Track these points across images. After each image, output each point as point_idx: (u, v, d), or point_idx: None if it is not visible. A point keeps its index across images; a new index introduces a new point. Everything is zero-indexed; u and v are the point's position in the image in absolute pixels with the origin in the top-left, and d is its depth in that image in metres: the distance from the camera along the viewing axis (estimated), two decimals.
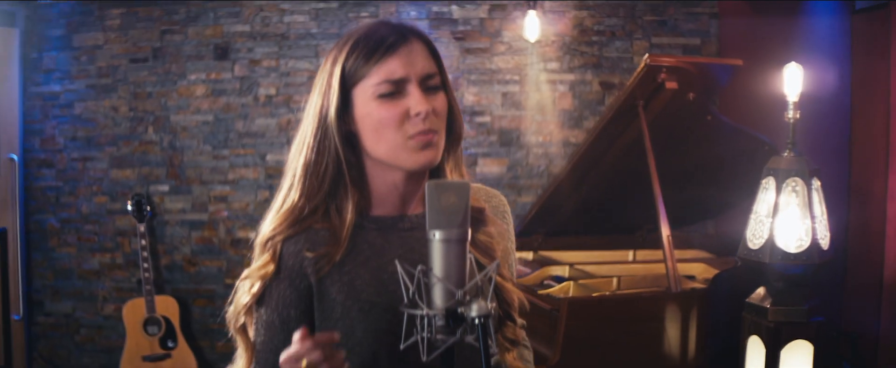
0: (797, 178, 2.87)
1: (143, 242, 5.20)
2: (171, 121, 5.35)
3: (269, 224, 1.59)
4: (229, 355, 1.68)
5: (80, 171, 5.44)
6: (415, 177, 1.59)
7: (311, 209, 1.56)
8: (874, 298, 4.23)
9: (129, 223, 5.36)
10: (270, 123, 5.30)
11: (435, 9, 5.19)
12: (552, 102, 5.22)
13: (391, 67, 1.50)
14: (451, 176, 1.64)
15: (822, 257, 2.88)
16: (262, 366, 1.59)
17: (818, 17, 4.88)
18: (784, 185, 2.88)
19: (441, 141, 1.55)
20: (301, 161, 1.57)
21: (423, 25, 5.16)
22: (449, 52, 5.18)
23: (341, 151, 1.54)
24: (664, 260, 3.38)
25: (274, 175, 5.31)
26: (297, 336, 1.37)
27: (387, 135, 1.51)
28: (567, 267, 4.07)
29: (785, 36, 4.84)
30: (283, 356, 1.38)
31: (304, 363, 1.36)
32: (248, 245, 5.27)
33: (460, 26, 5.18)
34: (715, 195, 4.26)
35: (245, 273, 1.60)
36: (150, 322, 5.18)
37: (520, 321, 1.72)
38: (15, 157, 5.31)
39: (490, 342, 1.22)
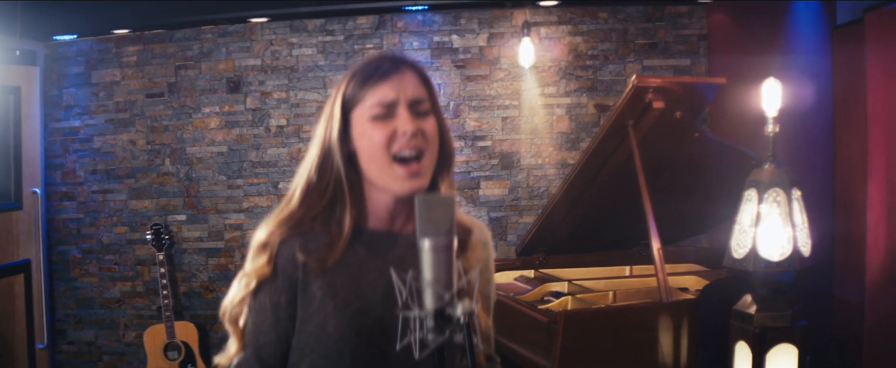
0: (778, 189, 2.97)
1: (162, 270, 5.44)
2: (187, 152, 5.63)
3: (267, 227, 1.75)
4: None
5: (101, 203, 5.72)
6: (402, 200, 1.74)
7: (311, 217, 1.73)
8: (859, 304, 4.35)
9: (148, 252, 5.62)
10: (282, 152, 5.57)
11: (436, 39, 5.46)
12: (550, 125, 5.48)
13: (383, 92, 1.68)
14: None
15: (804, 264, 2.99)
16: (251, 345, 1.75)
17: (801, 32, 5.04)
18: (765, 196, 2.99)
19: (427, 168, 1.72)
20: (304, 177, 1.76)
21: (425, 55, 5.44)
22: (450, 79, 5.46)
23: (343, 170, 1.72)
24: (656, 273, 3.54)
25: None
26: None
27: (376, 155, 1.68)
28: (566, 283, 4.22)
29: (770, 53, 4.97)
30: None
31: None
32: None
33: (461, 55, 5.46)
34: (706, 209, 4.38)
35: (243, 271, 1.75)
36: (170, 347, 5.41)
37: (484, 346, 1.89)
38: (38, 191, 5.57)
39: (474, 338, 1.36)
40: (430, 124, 1.71)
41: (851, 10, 4.82)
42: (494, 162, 5.51)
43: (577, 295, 3.94)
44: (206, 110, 5.59)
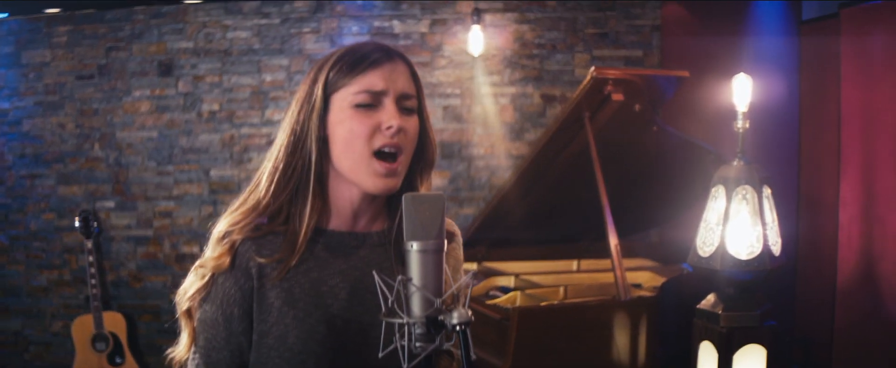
0: (747, 186, 2.95)
1: (91, 258, 5.29)
2: (117, 137, 5.46)
3: (229, 218, 1.64)
4: None
5: (29, 188, 5.55)
6: (370, 198, 1.65)
7: (274, 210, 1.62)
8: (828, 304, 4.31)
9: (76, 239, 5.46)
10: (214, 139, 5.40)
11: (376, 24, 5.29)
12: (494, 115, 5.31)
13: (372, 79, 1.57)
14: None
15: (774, 263, 2.96)
16: (205, 361, 1.64)
17: (765, 27, 4.95)
18: (734, 194, 2.95)
19: (403, 168, 1.62)
20: (271, 162, 1.63)
21: (363, 40, 5.26)
22: None
23: (314, 155, 1.60)
24: (613, 269, 3.44)
25: (217, 190, 5.41)
26: None
27: (354, 146, 1.57)
28: (512, 278, 4.13)
29: (730, 46, 4.90)
30: None
31: None
32: (192, 260, 5.36)
33: (401, 41, 5.29)
34: (660, 204, 4.33)
35: (199, 261, 1.64)
36: (98, 338, 5.26)
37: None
38: None
39: (470, 348, 1.27)
40: (412, 124, 1.62)
41: (820, 7, 4.73)
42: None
43: (526, 291, 3.85)
44: (137, 94, 5.42)
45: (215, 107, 5.39)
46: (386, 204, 1.71)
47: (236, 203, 1.66)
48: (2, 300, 5.65)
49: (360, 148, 1.57)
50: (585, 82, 3.55)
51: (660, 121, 3.93)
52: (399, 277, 1.31)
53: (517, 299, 3.79)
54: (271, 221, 1.62)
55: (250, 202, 1.63)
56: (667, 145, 3.98)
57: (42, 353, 5.63)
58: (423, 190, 1.68)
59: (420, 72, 4.93)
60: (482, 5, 5.22)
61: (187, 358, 1.68)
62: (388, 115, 1.56)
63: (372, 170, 1.57)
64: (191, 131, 5.40)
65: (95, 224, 5.37)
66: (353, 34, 5.28)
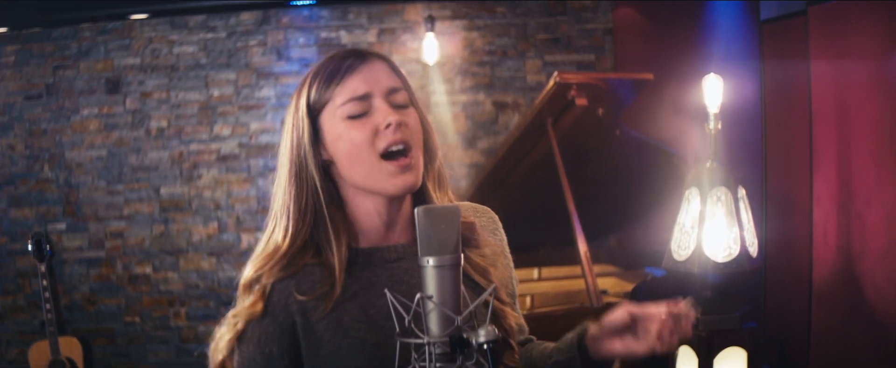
0: (722, 188, 2.92)
1: (45, 282, 5.21)
2: (66, 157, 5.42)
3: (253, 265, 1.56)
4: None
5: None
6: (396, 202, 1.58)
7: (299, 247, 1.55)
8: (803, 303, 4.25)
9: (29, 263, 5.39)
10: (163, 156, 5.35)
11: (324, 35, 5.27)
12: (447, 124, 5.26)
13: (354, 85, 1.51)
14: (435, 195, 1.63)
15: (752, 264, 2.94)
16: None
17: (721, 28, 4.92)
18: (708, 195, 2.93)
19: (419, 162, 1.54)
20: (281, 200, 1.56)
21: (311, 52, 5.25)
22: None
23: (319, 182, 1.54)
24: (583, 276, 3.41)
25: (168, 208, 5.36)
26: None
27: (361, 156, 1.51)
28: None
29: (686, 48, 4.88)
30: None
31: None
32: (145, 281, 5.30)
33: None
34: (621, 208, 4.29)
35: (232, 312, 1.56)
36: (55, 364, 5.18)
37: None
38: None
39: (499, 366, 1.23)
40: (411, 116, 1.54)
41: (779, 6, 4.70)
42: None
43: None
44: (85, 112, 5.39)
45: (163, 123, 5.35)
46: (414, 208, 1.58)
47: (259, 247, 1.58)
48: None
49: (366, 155, 1.50)
50: (548, 88, 3.54)
51: (622, 125, 3.93)
52: (417, 295, 1.26)
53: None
54: (302, 255, 1.55)
55: (271, 246, 1.56)
56: (628, 149, 3.97)
57: None
58: (432, 183, 1.61)
59: None
60: (430, 13, 5.18)
61: None
62: (383, 114, 1.50)
63: (386, 173, 1.50)
64: (140, 149, 5.36)
65: (48, 247, 5.31)
66: (300, 45, 5.24)
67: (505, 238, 1.80)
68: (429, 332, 1.25)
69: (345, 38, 5.24)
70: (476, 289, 1.56)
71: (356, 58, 1.54)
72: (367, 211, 1.58)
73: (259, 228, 5.04)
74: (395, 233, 1.60)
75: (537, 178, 3.84)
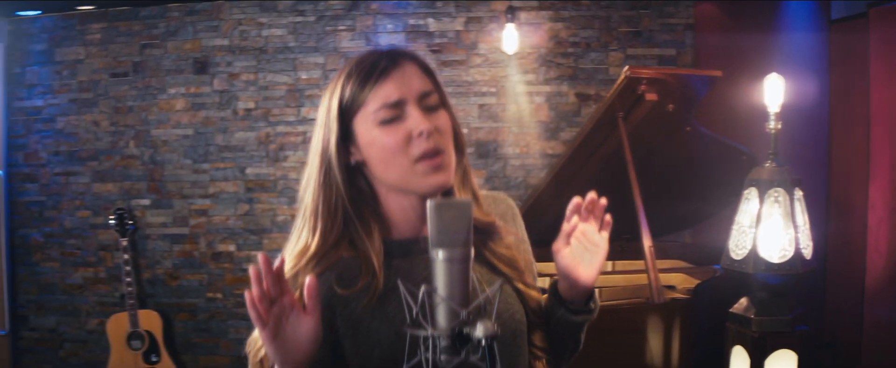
0: (779, 189, 2.93)
1: (126, 256, 5.35)
2: (152, 135, 5.51)
3: (289, 262, 1.58)
4: None
5: (64, 186, 5.61)
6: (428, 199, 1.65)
7: (331, 245, 1.59)
8: (856, 307, 4.30)
9: (111, 237, 5.52)
10: (249, 137, 5.45)
11: (411, 21, 5.33)
12: (529, 114, 5.35)
13: (387, 91, 1.53)
14: (460, 190, 1.67)
15: (805, 266, 2.94)
16: None
17: (795, 27, 4.96)
18: (766, 196, 2.93)
19: (451, 161, 1.58)
20: (310, 199, 1.60)
21: (399, 38, 5.32)
22: None
23: (346, 182, 1.58)
24: (646, 271, 3.43)
25: (254, 188, 5.46)
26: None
27: (394, 161, 1.54)
28: (547, 279, 4.12)
29: (762, 46, 4.91)
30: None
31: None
32: (228, 258, 5.41)
33: (436, 39, 5.33)
34: (692, 205, 4.33)
35: None
36: (133, 336, 5.32)
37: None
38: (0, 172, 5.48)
39: (497, 362, 1.23)
40: (443, 120, 1.58)
41: (848, 6, 4.74)
42: (470, 150, 5.37)
43: None
44: (172, 91, 5.47)
45: (251, 104, 5.43)
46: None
47: (290, 243, 1.63)
48: (37, 297, 5.72)
49: (400, 160, 1.54)
50: (619, 81, 3.55)
51: (693, 121, 3.94)
52: (423, 287, 1.29)
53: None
54: (336, 250, 1.60)
55: (301, 243, 1.60)
56: (700, 145, 3.99)
57: (77, 350, 5.70)
58: (458, 179, 1.66)
59: (455, 70, 5.00)
60: (517, 3, 5.25)
61: None
62: (416, 122, 1.53)
63: (419, 174, 1.54)
64: (226, 129, 5.45)
65: (130, 222, 5.42)
66: (388, 32, 5.32)
67: (522, 223, 1.86)
68: (436, 325, 1.25)
69: (432, 25, 5.31)
70: (504, 279, 1.66)
71: (388, 60, 1.56)
72: (401, 207, 1.63)
73: None
74: (426, 228, 1.65)
75: (611, 171, 3.85)
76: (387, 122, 1.53)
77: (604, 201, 1.67)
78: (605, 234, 1.70)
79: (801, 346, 2.98)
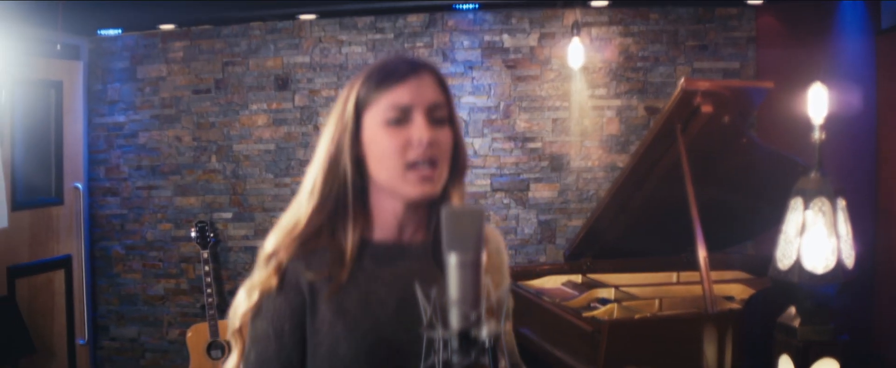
0: (823, 198, 2.90)
1: (207, 268, 5.53)
2: (234, 149, 5.71)
3: (273, 239, 1.70)
4: None
5: (145, 199, 5.81)
6: (412, 207, 1.70)
7: (316, 228, 1.68)
8: None
9: (193, 249, 5.71)
10: None
11: (487, 38, 5.53)
12: (600, 127, 5.56)
13: (399, 95, 1.61)
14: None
15: (847, 276, 2.94)
16: None
17: (845, 37, 5.11)
18: (811, 205, 2.92)
19: (441, 175, 1.65)
20: (311, 181, 1.69)
21: (475, 54, 5.52)
22: (501, 79, 5.55)
23: (350, 173, 1.66)
24: (701, 281, 3.53)
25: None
26: None
27: (388, 162, 1.62)
28: (613, 290, 4.22)
29: (816, 56, 5.03)
30: None
31: None
32: None
33: (511, 54, 5.53)
34: (753, 216, 4.41)
35: (249, 282, 1.70)
36: (213, 346, 5.51)
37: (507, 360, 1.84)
38: (80, 186, 5.68)
39: (502, 363, 1.33)
40: (445, 135, 1.66)
41: (895, 15, 4.87)
42: (544, 163, 5.58)
43: (624, 303, 3.96)
44: (254, 107, 5.66)
45: None
46: (428, 215, 1.75)
47: (282, 222, 1.72)
48: (118, 308, 5.91)
49: (394, 162, 1.62)
50: (676, 94, 3.64)
51: (749, 132, 4.02)
52: (435, 290, 1.34)
53: (614, 311, 3.87)
54: (317, 237, 1.68)
55: (291, 221, 1.70)
56: (756, 157, 4.06)
57: (158, 360, 5.90)
58: (456, 197, 1.72)
59: (529, 85, 5.21)
60: (587, 18, 5.46)
61: None
62: (418, 129, 1.61)
63: (407, 181, 1.62)
64: (307, 144, 5.65)
65: (212, 234, 5.61)
66: (465, 48, 5.52)
67: (507, 260, 1.89)
68: (447, 327, 1.29)
69: (507, 41, 5.52)
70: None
71: (408, 67, 1.65)
72: (385, 209, 1.71)
73: None
74: (406, 234, 1.73)
75: (672, 183, 3.92)
76: (392, 123, 1.62)
77: None
78: None
79: (843, 355, 2.98)
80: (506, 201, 5.62)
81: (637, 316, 3.69)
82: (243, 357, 1.71)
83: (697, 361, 3.39)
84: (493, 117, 5.58)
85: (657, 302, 3.89)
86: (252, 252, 5.75)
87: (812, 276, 2.93)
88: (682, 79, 3.61)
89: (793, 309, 3.16)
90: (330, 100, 5.61)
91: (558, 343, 3.67)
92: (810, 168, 3.67)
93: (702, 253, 3.55)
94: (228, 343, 5.03)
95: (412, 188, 1.63)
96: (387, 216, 1.71)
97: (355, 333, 1.63)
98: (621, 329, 3.39)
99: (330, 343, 1.65)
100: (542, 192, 5.62)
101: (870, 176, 4.89)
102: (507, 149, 5.59)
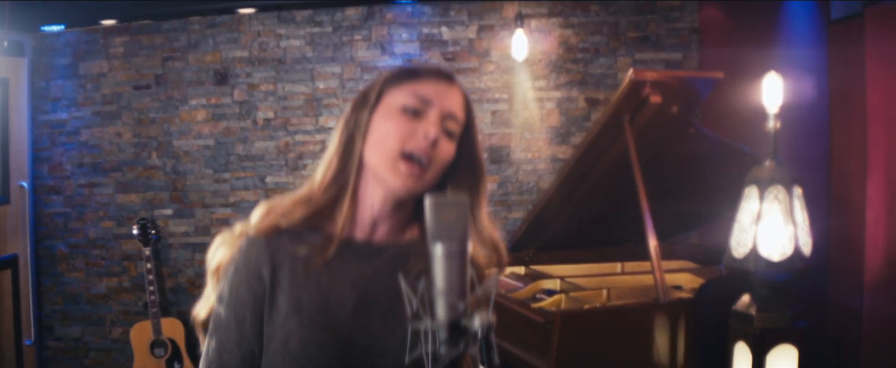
0: (779, 186, 2.97)
1: (149, 265, 5.54)
2: (174, 145, 5.73)
3: (281, 200, 1.73)
4: None
5: (87, 197, 5.82)
6: (390, 203, 1.69)
7: (323, 205, 1.69)
8: (856, 303, 4.36)
9: (134, 247, 5.72)
10: (269, 146, 5.65)
11: (425, 31, 5.55)
12: (540, 119, 5.54)
13: (424, 88, 1.65)
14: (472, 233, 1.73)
15: (805, 264, 2.99)
16: (217, 363, 1.69)
17: (795, 28, 5.09)
18: (766, 194, 2.99)
19: (428, 179, 1.65)
20: (325, 160, 1.71)
21: (414, 47, 5.53)
22: None
23: (360, 158, 1.67)
24: (652, 271, 3.53)
25: (273, 196, 5.61)
26: None
27: (386, 144, 1.63)
28: (558, 281, 4.20)
29: (764, 48, 5.04)
30: None
31: None
32: None
33: (450, 47, 5.54)
34: (698, 206, 4.43)
35: (242, 224, 1.73)
36: (156, 344, 5.50)
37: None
38: (25, 184, 5.70)
39: (494, 352, 1.29)
40: (448, 148, 1.67)
41: (846, 6, 4.85)
42: (484, 156, 5.52)
43: (571, 294, 3.93)
44: (193, 102, 5.69)
45: (270, 114, 5.63)
46: (413, 217, 1.76)
47: (295, 194, 1.74)
48: (62, 307, 5.93)
49: (392, 146, 1.62)
50: (624, 85, 3.64)
51: (696, 123, 4.03)
52: (422, 280, 1.34)
53: (562, 302, 3.86)
54: (319, 216, 1.70)
55: (304, 195, 1.72)
56: (703, 147, 4.07)
57: (101, 359, 5.90)
58: (482, 213, 1.74)
59: (468, 78, 5.18)
60: (527, 10, 5.46)
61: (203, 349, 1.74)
62: (428, 125, 1.63)
63: (397, 169, 1.62)
64: (246, 139, 5.66)
65: (153, 231, 5.60)
66: (403, 41, 5.53)
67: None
68: (434, 318, 1.28)
69: (446, 33, 5.53)
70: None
71: (443, 78, 1.70)
72: (364, 202, 1.71)
73: None
74: (378, 233, 1.73)
75: (618, 174, 3.93)
76: (408, 111, 1.64)
77: None
78: None
79: (802, 341, 3.04)
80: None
81: (586, 307, 3.68)
82: (205, 341, 1.72)
83: (650, 350, 3.38)
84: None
85: (605, 292, 3.88)
86: (192, 248, 5.76)
87: (769, 264, 2.98)
88: (631, 70, 3.61)
89: (747, 297, 3.16)
90: (269, 95, 5.63)
91: (507, 336, 3.65)
92: (758, 157, 3.64)
93: (652, 243, 3.55)
94: (171, 341, 5.04)
95: (399, 179, 1.63)
96: (364, 211, 1.71)
97: (308, 329, 1.63)
98: (573, 319, 3.37)
99: (282, 336, 1.64)
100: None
101: (822, 164, 4.87)
102: None
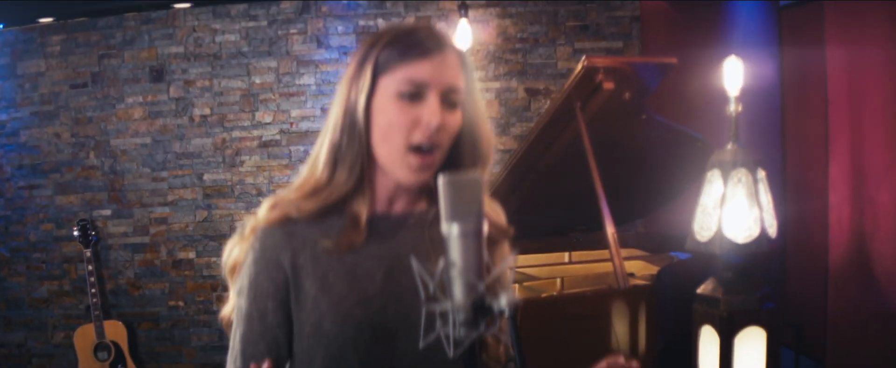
0: (743, 169, 2.99)
1: (90, 268, 5.50)
2: (111, 144, 5.71)
3: (287, 194, 1.68)
4: None
5: (27, 199, 5.80)
6: (404, 186, 1.67)
7: (332, 188, 1.64)
8: (820, 286, 4.38)
9: (75, 249, 5.68)
10: (206, 143, 5.62)
11: (361, 23, 5.52)
12: None
13: (419, 70, 1.56)
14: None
15: (771, 245, 3.01)
16: (242, 355, 1.66)
17: (743, 15, 5.07)
18: (730, 177, 3.00)
19: (437, 163, 1.62)
20: (327, 143, 1.65)
21: (350, 40, 5.50)
22: None
23: (365, 135, 1.62)
24: (611, 258, 3.50)
25: (212, 194, 5.61)
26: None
27: (392, 138, 1.59)
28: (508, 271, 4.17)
29: (708, 36, 5.04)
30: None
31: None
32: (189, 266, 5.50)
33: None
34: (648, 193, 4.42)
35: (253, 220, 1.69)
36: (99, 347, 5.46)
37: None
38: None
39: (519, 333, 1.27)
40: (454, 119, 1.60)
41: None
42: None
43: (524, 283, 3.93)
44: (130, 100, 5.67)
45: (206, 111, 5.61)
46: (420, 188, 1.71)
47: (297, 183, 1.69)
48: (4, 312, 5.90)
49: (398, 140, 1.58)
50: (577, 72, 3.61)
51: (648, 109, 4.02)
52: (440, 262, 1.27)
53: (516, 292, 3.85)
54: (335, 203, 1.65)
55: (310, 183, 1.66)
56: (654, 134, 4.05)
57: (45, 365, 5.87)
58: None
59: None
60: (466, 0, 5.40)
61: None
62: (430, 112, 1.56)
63: (406, 164, 1.59)
64: (183, 136, 5.62)
65: (93, 233, 5.57)
66: (339, 34, 5.51)
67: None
68: (452, 299, 1.26)
69: (382, 26, 5.47)
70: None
71: (435, 43, 1.60)
72: (378, 181, 1.68)
73: None
74: (397, 205, 1.71)
75: (567, 162, 3.92)
76: (404, 97, 1.58)
77: (636, 364, 1.67)
78: None
79: (770, 323, 3.05)
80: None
81: (544, 295, 3.68)
82: (231, 334, 1.70)
83: (611, 337, 3.38)
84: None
85: (558, 281, 3.86)
86: (132, 249, 5.72)
87: (734, 246, 2.98)
88: (584, 57, 3.59)
89: (712, 281, 3.16)
90: (205, 91, 5.61)
91: None
92: (710, 143, 3.63)
93: (610, 229, 3.52)
94: (114, 344, 4.96)
95: (409, 173, 1.60)
96: (379, 188, 1.68)
97: (340, 308, 1.60)
98: (532, 308, 3.37)
99: (315, 319, 1.62)
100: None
101: (775, 148, 4.90)
102: None
